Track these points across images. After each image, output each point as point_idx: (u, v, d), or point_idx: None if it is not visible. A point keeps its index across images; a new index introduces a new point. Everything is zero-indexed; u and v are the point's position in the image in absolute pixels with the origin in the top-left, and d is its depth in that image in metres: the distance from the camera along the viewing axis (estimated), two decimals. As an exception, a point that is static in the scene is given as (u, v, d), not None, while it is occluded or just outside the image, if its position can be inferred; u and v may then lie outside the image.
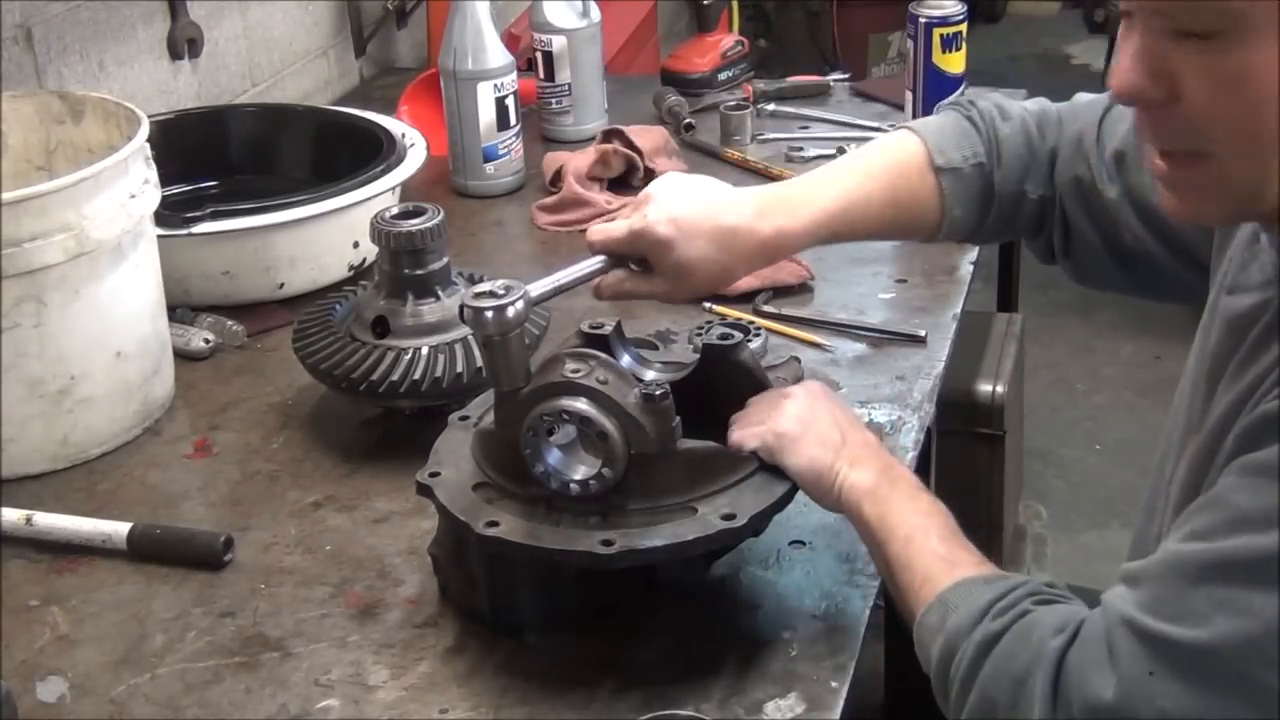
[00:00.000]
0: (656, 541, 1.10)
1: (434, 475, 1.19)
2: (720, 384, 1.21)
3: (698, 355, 1.24)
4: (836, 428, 1.17)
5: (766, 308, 1.69)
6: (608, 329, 1.21)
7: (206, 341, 1.65)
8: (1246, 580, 0.88)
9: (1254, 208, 0.95)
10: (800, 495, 1.17)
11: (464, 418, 1.27)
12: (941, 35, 1.91)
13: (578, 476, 1.12)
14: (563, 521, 1.12)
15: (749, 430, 1.17)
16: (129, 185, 1.44)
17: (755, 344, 1.55)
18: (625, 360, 1.22)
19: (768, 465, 1.16)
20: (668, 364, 1.25)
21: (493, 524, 1.12)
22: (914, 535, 1.10)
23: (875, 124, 2.19)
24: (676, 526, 1.11)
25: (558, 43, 2.16)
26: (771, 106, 2.29)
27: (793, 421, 1.16)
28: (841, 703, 1.10)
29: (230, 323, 1.69)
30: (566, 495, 1.12)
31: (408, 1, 2.61)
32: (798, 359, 1.35)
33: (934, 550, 1.09)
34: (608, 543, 1.09)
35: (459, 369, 1.39)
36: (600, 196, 1.97)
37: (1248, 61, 0.86)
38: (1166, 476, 1.09)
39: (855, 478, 1.14)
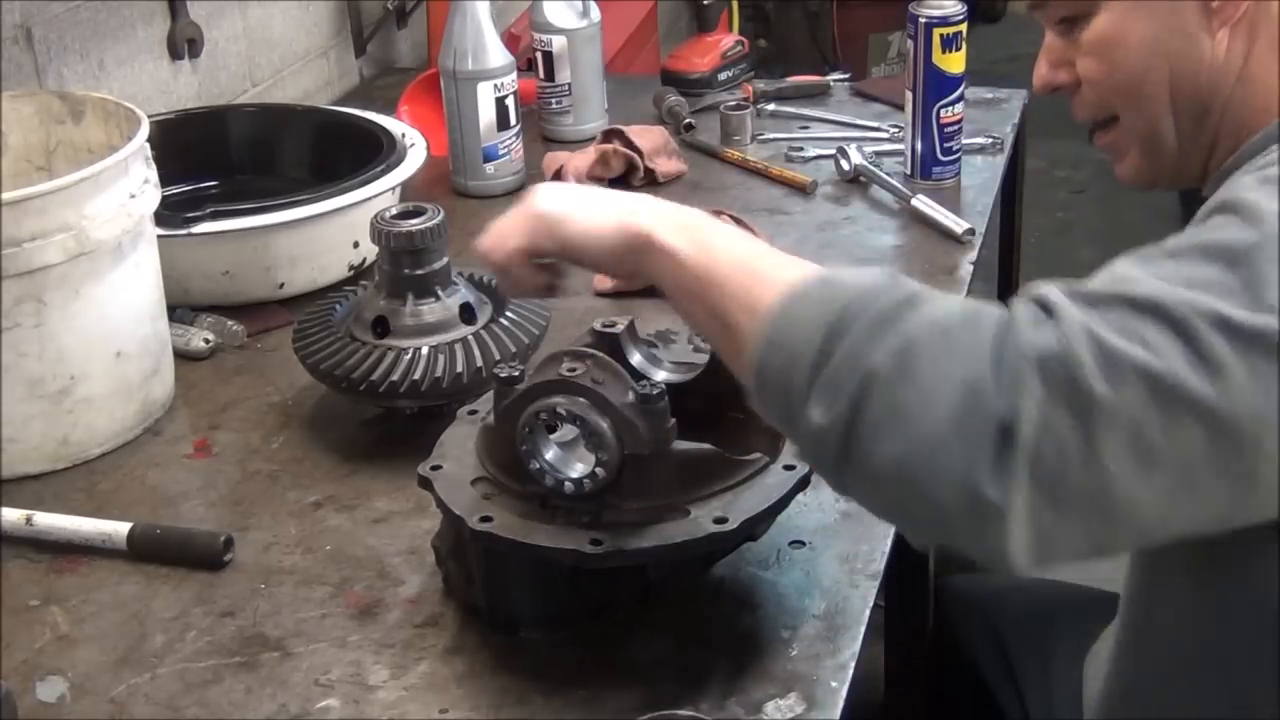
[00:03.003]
0: (646, 543, 1.09)
1: (435, 468, 1.19)
2: (729, 386, 1.20)
3: (708, 356, 1.23)
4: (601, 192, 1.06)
5: (766, 308, 1.68)
6: (619, 328, 1.21)
7: (206, 341, 1.65)
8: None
9: (1174, 165, 1.13)
10: (800, 496, 1.16)
11: (472, 412, 1.27)
12: (941, 35, 1.91)
13: (574, 475, 1.11)
14: (556, 519, 1.12)
15: (499, 229, 1.08)
16: (129, 185, 1.43)
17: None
18: (636, 359, 1.21)
19: (765, 470, 1.15)
20: (679, 364, 1.25)
21: (486, 519, 1.12)
22: (756, 256, 0.97)
23: (875, 124, 2.20)
24: (667, 528, 1.10)
25: (558, 43, 2.16)
26: (771, 106, 2.29)
27: (550, 197, 1.06)
28: (841, 703, 1.10)
29: (230, 323, 1.68)
30: (561, 493, 1.12)
31: (408, 1, 2.61)
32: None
33: (789, 260, 0.96)
34: (597, 542, 1.09)
35: (459, 369, 1.39)
36: (600, 196, 1.97)
37: (1105, 29, 1.10)
38: None
39: (650, 220, 1.00)
